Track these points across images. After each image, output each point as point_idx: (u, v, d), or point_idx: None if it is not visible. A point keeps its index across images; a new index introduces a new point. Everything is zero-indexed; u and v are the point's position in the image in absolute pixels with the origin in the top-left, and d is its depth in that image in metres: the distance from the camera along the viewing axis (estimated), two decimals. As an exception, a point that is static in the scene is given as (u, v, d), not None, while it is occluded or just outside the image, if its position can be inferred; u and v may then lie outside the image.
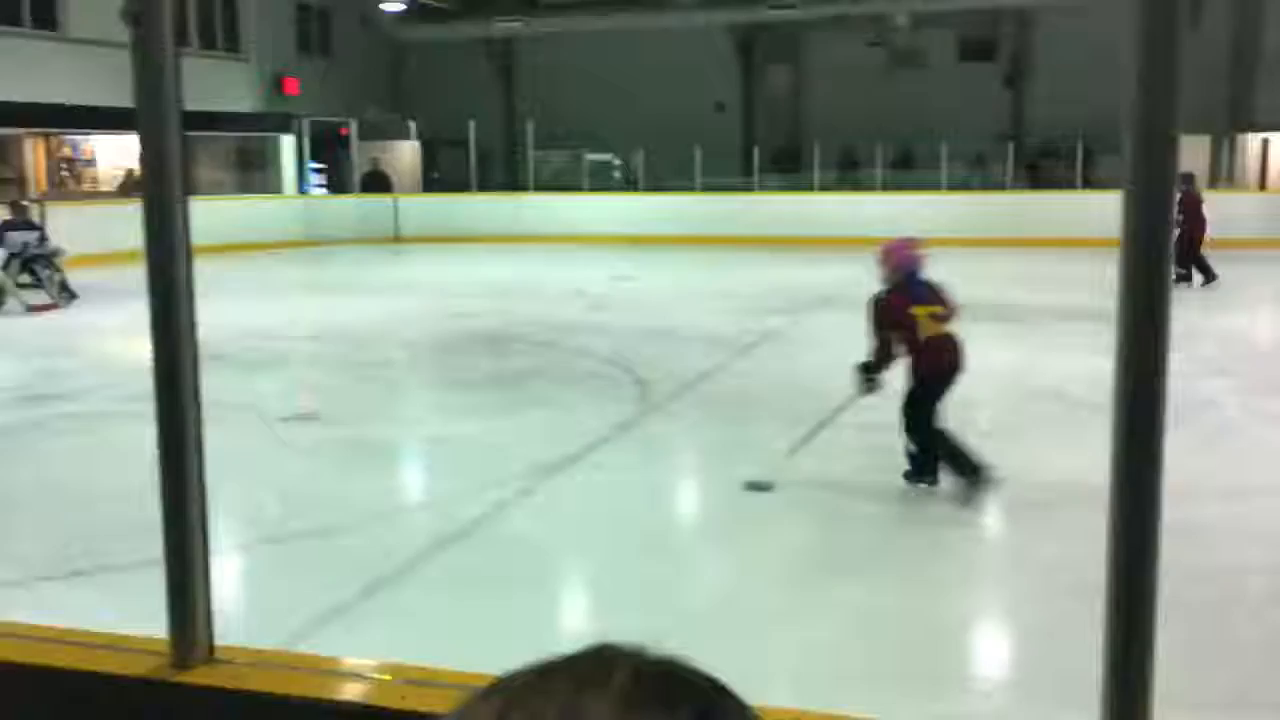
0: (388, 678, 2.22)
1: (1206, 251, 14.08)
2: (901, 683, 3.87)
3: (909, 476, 5.92)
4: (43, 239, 13.29)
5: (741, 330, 11.39)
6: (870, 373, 5.83)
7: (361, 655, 1.95)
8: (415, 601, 4.64)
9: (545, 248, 20.37)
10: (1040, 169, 22.76)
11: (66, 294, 13.10)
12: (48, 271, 13.11)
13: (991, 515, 5.72)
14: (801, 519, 5.69)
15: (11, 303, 12.69)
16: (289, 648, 3.22)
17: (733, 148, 23.49)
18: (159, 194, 1.68)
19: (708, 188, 21.38)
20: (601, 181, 23.73)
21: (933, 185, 20.75)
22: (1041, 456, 6.43)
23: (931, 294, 5.82)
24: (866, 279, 6.11)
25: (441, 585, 4.82)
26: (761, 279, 15.80)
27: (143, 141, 1.66)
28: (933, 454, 5.81)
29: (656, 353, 10.17)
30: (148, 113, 1.66)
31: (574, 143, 23.39)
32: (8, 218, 13.36)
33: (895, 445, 5.92)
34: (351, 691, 2.14)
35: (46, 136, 21.65)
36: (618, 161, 25.06)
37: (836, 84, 24.20)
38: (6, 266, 12.97)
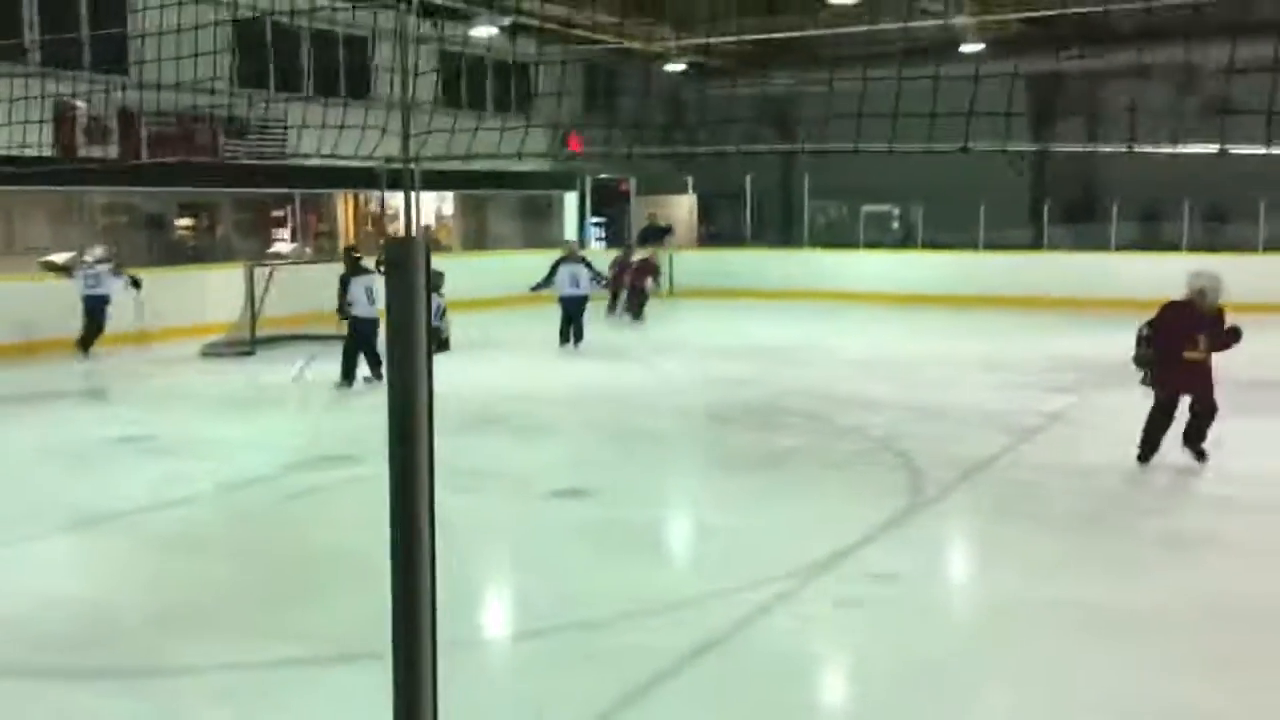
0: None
1: None
2: None
3: None
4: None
5: (1022, 409, 10.72)
6: None
7: None
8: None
9: (817, 306, 20.08)
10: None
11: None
12: None
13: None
14: (1106, 647, 5.16)
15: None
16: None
17: (1020, 202, 22.41)
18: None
19: (991, 245, 20.48)
20: (878, 234, 23.20)
21: (1248, 246, 19.00)
22: None
23: None
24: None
25: (701, 701, 4.66)
26: (1047, 348, 14.92)
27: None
28: None
29: (930, 433, 9.70)
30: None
31: (851, 194, 23.03)
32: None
33: None
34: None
35: (355, 195, 23.51)
36: (896, 212, 24.47)
37: (1137, 135, 22.62)
38: None
